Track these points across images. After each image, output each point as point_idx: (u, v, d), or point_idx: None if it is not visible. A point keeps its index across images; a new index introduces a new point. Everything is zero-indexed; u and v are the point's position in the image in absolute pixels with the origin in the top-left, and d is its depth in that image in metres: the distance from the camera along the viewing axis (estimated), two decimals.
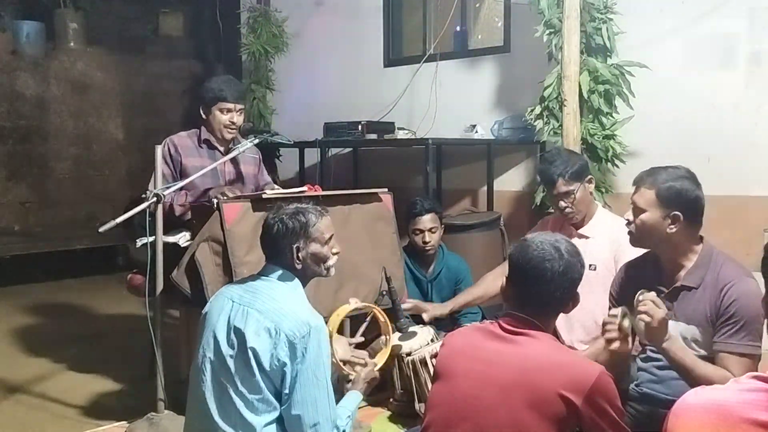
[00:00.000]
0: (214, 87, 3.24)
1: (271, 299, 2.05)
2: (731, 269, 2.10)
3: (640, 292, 2.00)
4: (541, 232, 1.94)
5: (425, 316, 3.13)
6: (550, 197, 3.05)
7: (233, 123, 3.23)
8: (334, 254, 2.22)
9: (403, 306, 3.06)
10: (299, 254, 2.12)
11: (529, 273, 1.79)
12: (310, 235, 2.14)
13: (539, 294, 1.79)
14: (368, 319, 2.87)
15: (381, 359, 2.65)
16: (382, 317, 2.76)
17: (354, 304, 2.69)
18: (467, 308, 3.41)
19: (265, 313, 2.01)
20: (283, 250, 2.13)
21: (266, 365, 1.97)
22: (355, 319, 2.95)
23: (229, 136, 3.26)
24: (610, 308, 2.33)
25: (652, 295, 1.99)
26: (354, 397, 2.28)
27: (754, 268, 2.40)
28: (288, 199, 2.60)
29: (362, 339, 2.74)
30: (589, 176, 3.02)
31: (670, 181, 2.13)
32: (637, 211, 2.17)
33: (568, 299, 1.83)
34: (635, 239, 2.23)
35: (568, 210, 2.95)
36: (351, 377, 2.45)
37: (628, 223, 2.22)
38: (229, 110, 3.21)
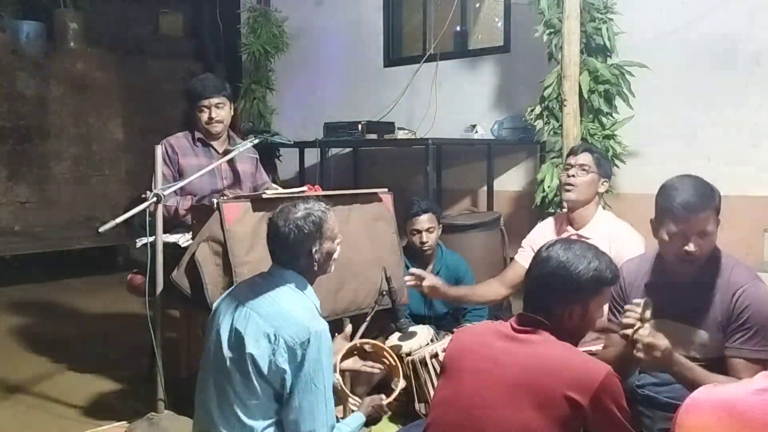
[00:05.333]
0: (190, 88, 3.29)
1: (274, 303, 2.03)
2: (742, 273, 2.07)
3: (638, 301, 1.96)
4: (564, 239, 1.90)
5: (426, 283, 3.04)
6: (564, 165, 3.11)
7: (212, 118, 3.22)
8: (337, 245, 2.20)
9: (406, 278, 3.03)
10: (316, 256, 2.11)
11: (549, 281, 1.78)
12: (323, 234, 2.12)
13: (556, 301, 1.77)
14: (368, 319, 2.86)
15: (388, 399, 2.56)
16: (393, 360, 2.68)
17: (364, 340, 2.69)
18: (472, 307, 3.40)
19: (266, 317, 2.00)
20: (300, 255, 2.09)
21: (265, 370, 1.96)
22: (355, 320, 2.95)
23: (215, 131, 3.26)
24: (610, 309, 2.32)
25: (647, 329, 1.90)
26: (357, 418, 2.25)
27: (754, 268, 2.40)
28: (288, 199, 2.60)
29: (377, 370, 2.69)
30: (606, 179, 3.02)
31: (715, 194, 2.05)
32: (708, 237, 2.03)
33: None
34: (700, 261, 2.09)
35: (570, 182, 2.94)
36: (357, 407, 2.42)
37: (694, 253, 2.02)
38: (207, 107, 3.22)
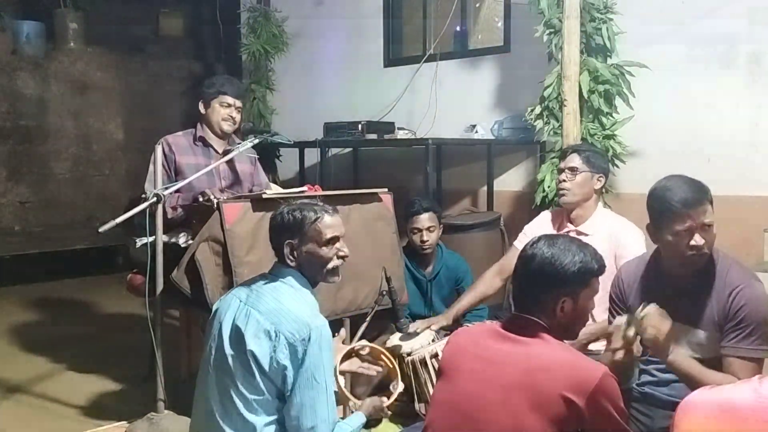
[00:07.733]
0: (215, 82, 3.36)
1: (274, 300, 2.03)
2: (738, 273, 2.08)
3: (642, 304, 1.96)
4: (547, 235, 1.91)
5: (434, 328, 3.11)
6: (558, 170, 3.13)
7: (232, 117, 3.31)
8: (339, 257, 2.15)
9: (411, 327, 3.03)
10: (293, 252, 2.08)
11: (537, 278, 1.79)
12: (305, 233, 2.08)
13: (545, 297, 1.78)
14: (368, 319, 2.86)
15: (389, 401, 2.58)
16: (391, 363, 2.67)
17: (361, 343, 2.67)
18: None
19: (266, 314, 2.00)
20: (277, 245, 2.12)
21: (266, 367, 1.96)
22: (355, 320, 2.95)
23: (228, 129, 3.32)
24: (610, 311, 2.32)
25: (654, 308, 1.94)
26: (358, 418, 2.24)
27: (754, 268, 2.40)
28: (289, 199, 2.60)
29: (375, 371, 2.68)
30: (602, 175, 3.01)
31: (706, 187, 2.07)
32: (710, 229, 2.05)
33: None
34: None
35: (561, 186, 2.97)
36: (357, 406, 2.42)
37: (702, 247, 2.04)
38: (229, 104, 3.30)
